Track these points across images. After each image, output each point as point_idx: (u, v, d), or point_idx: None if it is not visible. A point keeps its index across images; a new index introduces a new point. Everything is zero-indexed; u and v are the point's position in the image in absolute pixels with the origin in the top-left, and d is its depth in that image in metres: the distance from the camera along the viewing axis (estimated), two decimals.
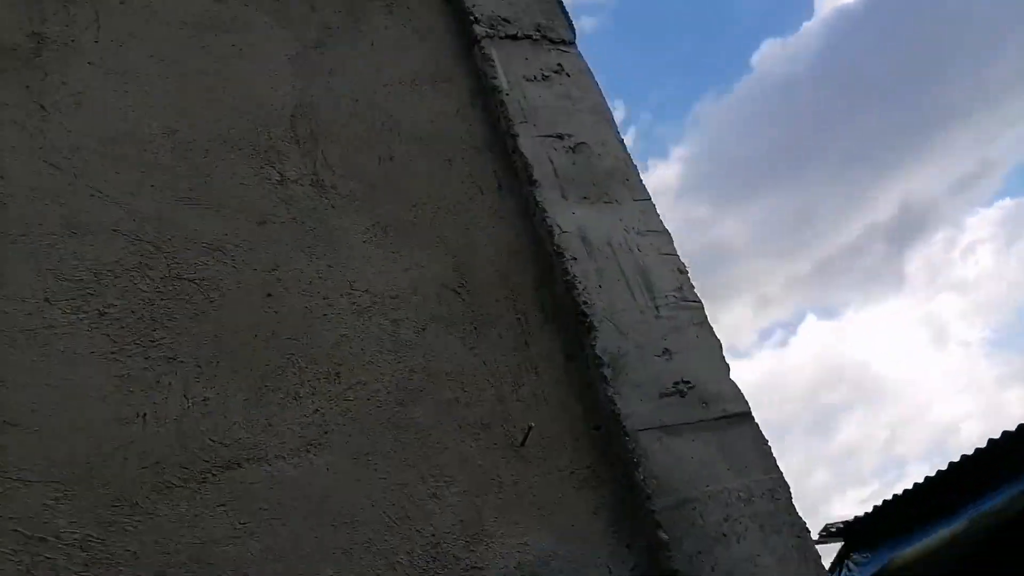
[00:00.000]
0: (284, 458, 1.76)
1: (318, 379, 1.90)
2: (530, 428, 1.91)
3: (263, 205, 2.16)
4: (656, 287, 2.27)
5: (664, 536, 1.83)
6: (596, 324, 2.13)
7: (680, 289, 2.29)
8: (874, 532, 6.50)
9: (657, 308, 2.22)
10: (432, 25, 2.85)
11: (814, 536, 2.12)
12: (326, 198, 2.24)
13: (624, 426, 1.97)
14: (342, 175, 2.31)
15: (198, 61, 2.40)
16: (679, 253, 2.41)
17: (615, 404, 2.00)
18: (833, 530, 7.05)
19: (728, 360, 2.21)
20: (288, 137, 2.33)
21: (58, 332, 1.76)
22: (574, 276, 2.21)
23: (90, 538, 1.55)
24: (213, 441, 1.73)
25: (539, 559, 1.79)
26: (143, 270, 1.92)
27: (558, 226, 2.31)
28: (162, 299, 1.90)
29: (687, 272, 2.36)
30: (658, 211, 2.49)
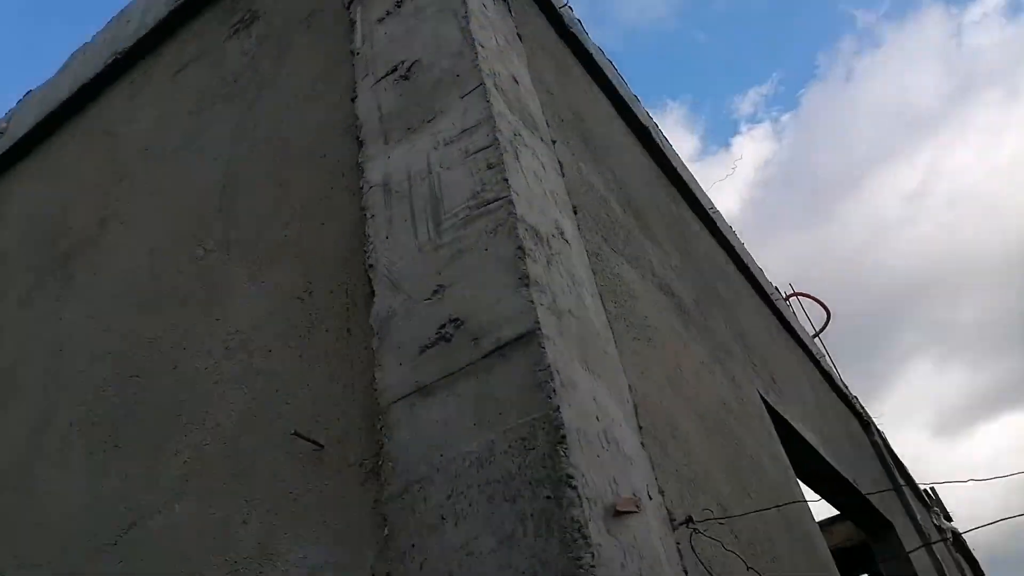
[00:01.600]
0: (160, 513, 2.04)
1: (192, 431, 2.13)
2: (295, 433, 1.78)
3: (187, 287, 2.49)
4: (447, 207, 1.81)
5: (386, 532, 1.49)
6: (375, 287, 1.83)
7: (478, 193, 1.78)
8: None
9: (440, 235, 1.77)
10: (342, 15, 2.78)
11: None
12: (228, 255, 2.45)
13: (378, 402, 1.66)
14: (244, 225, 2.49)
15: (169, 177, 2.89)
16: (503, 137, 1.86)
17: (375, 378, 1.70)
18: None
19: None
20: (215, 211, 2.62)
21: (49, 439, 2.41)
22: (368, 236, 1.93)
23: None
24: (126, 508, 2.13)
25: (312, 571, 1.66)
26: (115, 380, 2.45)
27: (367, 183, 2.04)
28: (122, 403, 2.39)
29: (498, 164, 1.80)
30: (487, 94, 1.96)
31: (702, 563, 1.65)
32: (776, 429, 3.94)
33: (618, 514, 1.35)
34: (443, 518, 1.40)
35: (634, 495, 1.45)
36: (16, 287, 3.22)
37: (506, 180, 1.77)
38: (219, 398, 2.13)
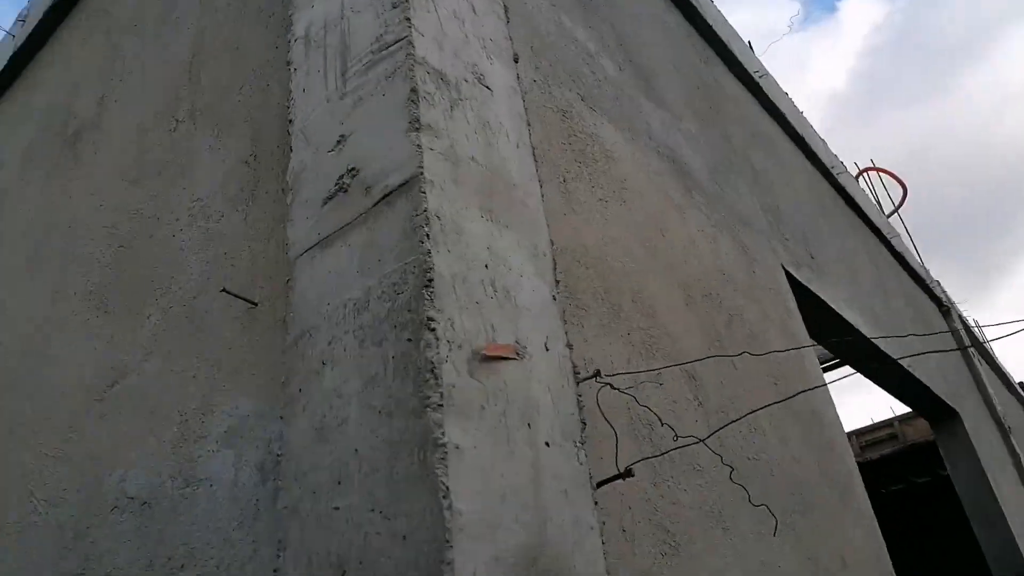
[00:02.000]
0: (135, 371, 2.17)
1: (161, 295, 2.22)
2: (224, 290, 1.82)
3: (163, 159, 2.54)
4: (353, 54, 1.73)
5: (283, 379, 1.53)
6: (292, 143, 1.80)
7: (381, 36, 1.68)
8: None
9: (346, 83, 1.70)
10: None
11: None
12: (195, 125, 2.47)
13: (288, 257, 1.67)
14: (208, 93, 2.49)
15: (152, 52, 2.90)
16: None
17: (286, 234, 1.70)
18: None
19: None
20: (186, 82, 2.62)
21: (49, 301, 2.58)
22: (290, 92, 1.89)
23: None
24: (111, 368, 2.28)
25: (241, 421, 1.74)
26: (108, 252, 2.57)
27: (293, 36, 1.98)
28: (112, 272, 2.51)
29: (402, 2, 1.69)
30: None
31: (605, 417, 1.62)
32: (806, 307, 3.75)
33: (487, 359, 1.33)
34: (324, 363, 1.42)
35: (517, 343, 1.42)
36: (40, 170, 3.38)
37: (408, 20, 1.66)
38: (182, 263, 2.20)
